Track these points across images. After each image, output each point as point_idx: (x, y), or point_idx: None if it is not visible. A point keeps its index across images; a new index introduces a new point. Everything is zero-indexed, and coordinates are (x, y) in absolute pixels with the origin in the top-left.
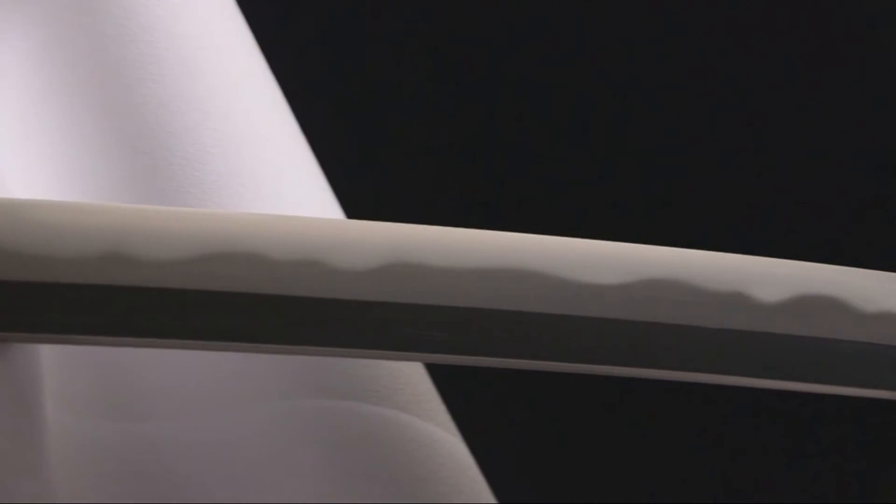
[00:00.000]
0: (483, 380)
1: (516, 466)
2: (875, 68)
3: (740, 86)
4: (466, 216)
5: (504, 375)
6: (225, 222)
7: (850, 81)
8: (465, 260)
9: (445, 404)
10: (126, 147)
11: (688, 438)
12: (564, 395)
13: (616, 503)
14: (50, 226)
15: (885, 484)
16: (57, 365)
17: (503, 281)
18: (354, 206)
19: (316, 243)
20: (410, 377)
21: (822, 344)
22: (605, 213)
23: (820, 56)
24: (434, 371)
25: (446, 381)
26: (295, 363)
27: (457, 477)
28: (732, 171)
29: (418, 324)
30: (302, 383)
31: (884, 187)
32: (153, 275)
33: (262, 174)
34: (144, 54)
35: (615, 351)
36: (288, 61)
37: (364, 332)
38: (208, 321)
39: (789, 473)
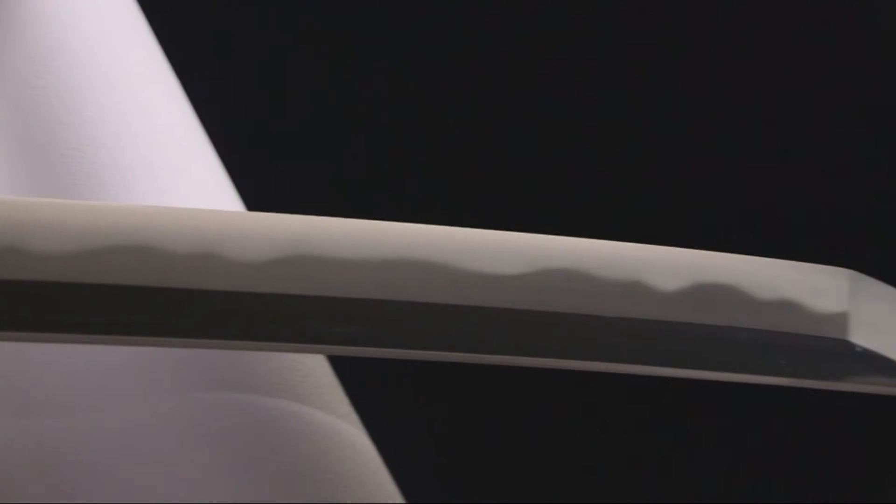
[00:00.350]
0: (386, 371)
1: (420, 458)
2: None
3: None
4: (368, 209)
5: (407, 367)
6: (120, 215)
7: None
8: (364, 251)
9: (348, 396)
10: (19, 139)
11: (602, 431)
12: (469, 386)
13: (520, 500)
14: None
15: (885, 484)
16: None
17: (402, 272)
18: (256, 200)
19: (213, 235)
20: (312, 369)
21: (720, 332)
22: (510, 203)
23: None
24: (336, 363)
25: (349, 374)
26: (193, 356)
27: (359, 469)
28: (640, 162)
29: (319, 316)
30: (201, 376)
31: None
32: (48, 269)
33: (159, 166)
34: (39, 46)
35: (514, 341)
36: (187, 55)
37: (263, 324)
38: (106, 315)
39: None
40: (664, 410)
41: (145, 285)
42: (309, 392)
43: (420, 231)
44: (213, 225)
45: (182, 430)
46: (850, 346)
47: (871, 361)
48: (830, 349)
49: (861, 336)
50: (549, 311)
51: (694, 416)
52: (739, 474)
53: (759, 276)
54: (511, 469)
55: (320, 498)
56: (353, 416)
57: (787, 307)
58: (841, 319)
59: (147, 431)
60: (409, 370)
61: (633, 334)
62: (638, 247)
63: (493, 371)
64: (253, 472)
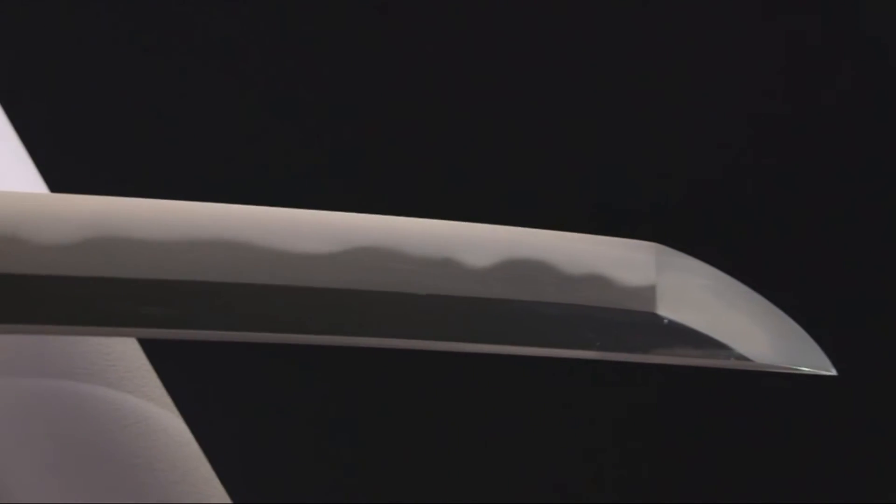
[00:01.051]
0: (199, 353)
1: (236, 440)
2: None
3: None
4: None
5: (219, 348)
6: None
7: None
8: (172, 232)
9: (161, 379)
10: None
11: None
12: (283, 367)
13: (337, 480)
14: None
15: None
16: None
17: (211, 252)
18: (65, 185)
19: (15, 218)
20: (122, 353)
21: (531, 307)
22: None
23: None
24: (147, 346)
25: (161, 356)
26: None
27: (173, 452)
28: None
29: (127, 298)
30: (6, 362)
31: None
32: None
33: None
34: None
35: (327, 320)
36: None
37: (71, 308)
38: None
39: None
40: (658, 409)
41: None
42: (120, 376)
43: (229, 211)
44: (15, 207)
45: None
46: (658, 319)
47: (679, 334)
48: (639, 322)
49: (668, 309)
50: (361, 289)
51: (694, 415)
52: (741, 474)
53: (569, 251)
54: (324, 449)
55: (133, 482)
56: (167, 400)
57: (595, 281)
58: (649, 293)
59: None
60: (221, 352)
61: (446, 311)
62: (449, 224)
63: (311, 350)
64: (62, 459)
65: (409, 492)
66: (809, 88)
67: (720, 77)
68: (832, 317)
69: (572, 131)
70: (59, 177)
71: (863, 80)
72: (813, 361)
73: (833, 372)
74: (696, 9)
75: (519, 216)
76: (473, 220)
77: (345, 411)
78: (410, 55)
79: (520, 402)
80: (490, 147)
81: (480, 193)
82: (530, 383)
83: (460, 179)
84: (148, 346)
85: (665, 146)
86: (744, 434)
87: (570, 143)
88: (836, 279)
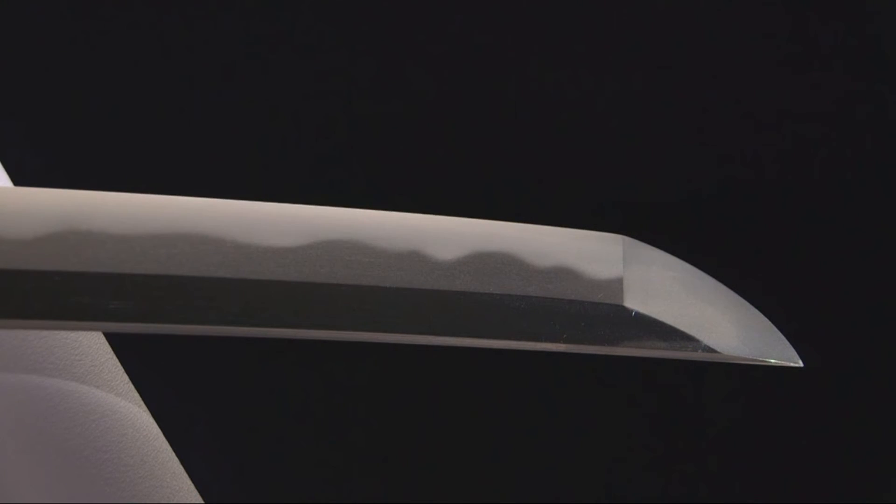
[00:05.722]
0: (166, 347)
1: (204, 434)
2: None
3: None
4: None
5: (187, 342)
6: None
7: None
8: (138, 226)
9: (128, 374)
10: None
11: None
12: (252, 361)
13: (306, 479)
14: None
15: (892, 484)
16: None
17: (178, 246)
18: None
19: None
20: (89, 347)
21: (498, 300)
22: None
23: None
24: (115, 340)
25: (128, 350)
26: None
27: (141, 446)
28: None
29: (93, 293)
30: None
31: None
32: None
33: None
34: None
35: (294, 313)
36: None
37: (36, 302)
38: None
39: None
40: (663, 410)
41: None
42: (86, 370)
43: (195, 205)
44: None
45: None
46: (625, 312)
47: (646, 326)
48: (606, 315)
49: (635, 301)
50: (328, 282)
51: (694, 415)
52: (742, 474)
53: (536, 243)
54: (293, 444)
55: (100, 477)
56: (134, 394)
57: (563, 274)
58: (616, 285)
59: None
60: (189, 346)
61: (413, 305)
62: (416, 217)
63: (280, 344)
64: (28, 454)
65: (384, 489)
66: (806, 90)
67: (715, 76)
68: (800, 309)
69: (554, 126)
70: (22, 171)
71: (861, 80)
72: (780, 353)
73: (800, 363)
74: (692, 7)
75: (500, 212)
76: (452, 214)
77: (315, 406)
78: (375, 47)
79: (504, 406)
80: (471, 141)
81: (457, 188)
82: (521, 383)
83: (434, 173)
84: (114, 340)
85: (655, 146)
86: (745, 434)
87: (550, 138)
88: (805, 272)
